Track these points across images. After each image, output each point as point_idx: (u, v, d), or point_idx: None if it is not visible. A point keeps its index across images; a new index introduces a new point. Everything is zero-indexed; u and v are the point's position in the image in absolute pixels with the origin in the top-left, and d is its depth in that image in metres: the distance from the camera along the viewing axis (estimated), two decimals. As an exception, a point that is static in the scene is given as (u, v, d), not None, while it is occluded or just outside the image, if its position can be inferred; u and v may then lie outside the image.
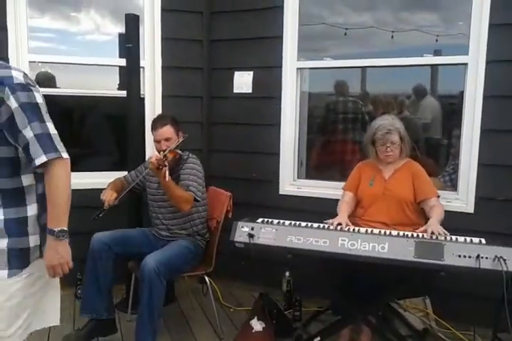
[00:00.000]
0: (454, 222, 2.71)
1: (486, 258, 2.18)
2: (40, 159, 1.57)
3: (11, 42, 3.31)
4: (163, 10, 3.64)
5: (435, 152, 4.38)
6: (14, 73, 1.60)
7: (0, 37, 3.27)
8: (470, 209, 3.06)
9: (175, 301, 3.49)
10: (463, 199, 3.11)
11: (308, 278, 2.91)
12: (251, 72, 3.65)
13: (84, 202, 3.48)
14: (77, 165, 3.72)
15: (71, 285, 3.42)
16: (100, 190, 3.60)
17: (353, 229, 2.54)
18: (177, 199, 2.81)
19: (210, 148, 3.87)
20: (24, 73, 1.66)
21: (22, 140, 1.58)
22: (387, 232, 2.46)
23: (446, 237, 2.39)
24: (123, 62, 3.32)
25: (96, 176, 3.68)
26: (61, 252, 1.68)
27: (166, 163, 2.68)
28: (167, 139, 2.92)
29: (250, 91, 3.66)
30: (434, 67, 4.15)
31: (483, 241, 2.33)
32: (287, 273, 3.41)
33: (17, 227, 1.64)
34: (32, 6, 3.47)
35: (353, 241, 2.39)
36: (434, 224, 2.57)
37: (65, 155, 1.62)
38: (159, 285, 2.64)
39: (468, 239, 2.33)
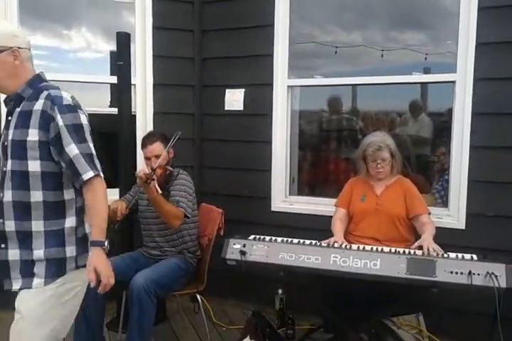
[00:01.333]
0: (445, 238, 2.71)
1: (478, 274, 2.18)
2: (87, 175, 1.70)
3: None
4: (154, 28, 3.67)
5: (427, 168, 4.41)
6: (64, 94, 1.75)
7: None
8: (461, 225, 3.07)
9: (166, 320, 3.44)
10: (454, 215, 3.12)
11: (301, 295, 2.89)
12: (242, 90, 3.68)
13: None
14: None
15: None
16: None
17: (345, 246, 2.54)
18: (166, 215, 2.79)
19: (201, 164, 3.87)
20: (72, 95, 1.79)
21: (66, 157, 1.70)
22: (379, 249, 2.46)
23: (438, 253, 2.39)
24: (114, 79, 3.33)
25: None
26: (108, 263, 1.75)
27: (154, 177, 2.67)
28: (157, 156, 2.92)
29: (241, 108, 3.69)
30: (423, 84, 4.20)
31: (475, 257, 2.33)
32: (280, 291, 3.38)
33: (56, 238, 1.74)
34: (23, 24, 3.48)
35: (345, 257, 2.38)
36: (429, 240, 2.57)
37: (101, 173, 1.76)
38: (149, 303, 2.60)
39: (459, 255, 2.34)
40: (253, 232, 2.63)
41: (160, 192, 2.68)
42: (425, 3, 3.50)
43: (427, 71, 3.74)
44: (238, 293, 3.54)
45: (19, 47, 1.76)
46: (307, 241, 2.55)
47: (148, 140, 2.99)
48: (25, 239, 1.73)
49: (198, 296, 2.97)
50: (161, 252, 3.02)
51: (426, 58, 3.99)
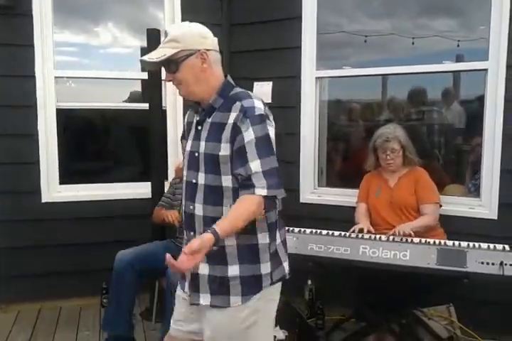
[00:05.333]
0: (477, 229, 2.69)
1: (510, 265, 2.16)
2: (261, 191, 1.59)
3: (37, 59, 3.42)
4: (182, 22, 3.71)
5: (460, 158, 4.33)
6: (256, 103, 1.63)
7: (27, 54, 3.38)
8: (493, 215, 3.02)
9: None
10: (486, 205, 3.07)
11: (331, 286, 2.91)
12: (270, 83, 3.69)
13: (108, 212, 3.59)
14: (101, 177, 3.83)
15: (97, 294, 3.49)
16: (124, 201, 3.67)
17: (375, 237, 2.54)
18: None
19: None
20: (263, 101, 1.68)
21: (246, 171, 1.58)
22: (409, 239, 2.45)
23: (468, 244, 2.37)
24: (145, 75, 3.39)
25: (119, 187, 3.75)
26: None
27: None
28: None
29: (270, 101, 3.70)
30: (456, 72, 4.12)
31: (507, 247, 2.30)
32: (309, 282, 3.40)
33: (249, 254, 1.67)
34: (56, 22, 3.57)
35: (374, 248, 2.39)
36: (401, 226, 2.64)
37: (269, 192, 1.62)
38: None
39: (491, 245, 2.31)
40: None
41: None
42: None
43: (459, 58, 3.66)
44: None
45: (207, 49, 1.66)
46: (336, 233, 2.56)
47: None
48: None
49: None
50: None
51: (458, 45, 3.91)
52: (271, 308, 1.79)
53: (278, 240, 1.75)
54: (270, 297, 1.75)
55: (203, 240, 1.48)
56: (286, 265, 1.79)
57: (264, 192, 1.57)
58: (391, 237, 2.52)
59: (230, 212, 1.59)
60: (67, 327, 3.28)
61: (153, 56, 1.64)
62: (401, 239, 2.47)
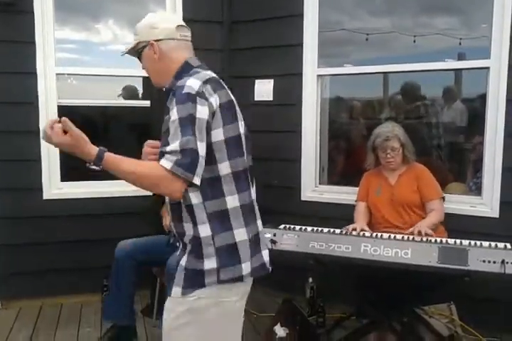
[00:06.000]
0: (478, 227, 2.69)
1: None
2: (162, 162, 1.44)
3: (38, 56, 3.42)
4: (184, 20, 3.69)
5: (462, 156, 4.33)
6: (189, 82, 1.51)
7: (28, 51, 3.38)
8: (495, 213, 3.02)
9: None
10: (487, 203, 3.07)
11: (332, 284, 2.91)
12: (271, 80, 3.69)
13: (109, 210, 3.59)
14: (103, 175, 3.83)
15: (98, 291, 3.49)
16: (125, 198, 3.67)
17: (376, 235, 2.54)
18: None
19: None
20: (207, 80, 1.55)
21: (165, 149, 1.46)
22: (410, 237, 2.45)
23: (470, 242, 2.37)
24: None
25: (121, 185, 3.73)
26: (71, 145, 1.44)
27: None
28: None
29: (271, 99, 3.69)
30: (457, 70, 4.12)
31: (509, 245, 2.30)
32: (310, 279, 3.40)
33: (194, 246, 1.56)
34: (57, 20, 3.56)
35: (375, 246, 2.39)
36: (421, 225, 2.62)
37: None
38: None
39: (493, 243, 2.31)
40: (283, 222, 2.66)
41: None
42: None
43: (461, 56, 3.66)
44: (269, 281, 3.56)
45: (157, 40, 1.65)
46: (337, 230, 2.56)
47: None
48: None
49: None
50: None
51: (460, 43, 3.91)
52: (217, 315, 1.57)
53: (237, 236, 1.57)
54: (218, 299, 1.56)
55: (85, 142, 1.43)
56: (246, 265, 1.58)
57: (168, 165, 1.41)
58: (392, 235, 2.51)
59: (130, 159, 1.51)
60: (69, 324, 3.28)
61: (126, 48, 1.72)
62: (402, 237, 2.47)
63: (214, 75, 1.63)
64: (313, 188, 3.68)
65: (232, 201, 1.58)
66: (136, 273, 2.89)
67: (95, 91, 4.03)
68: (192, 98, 1.47)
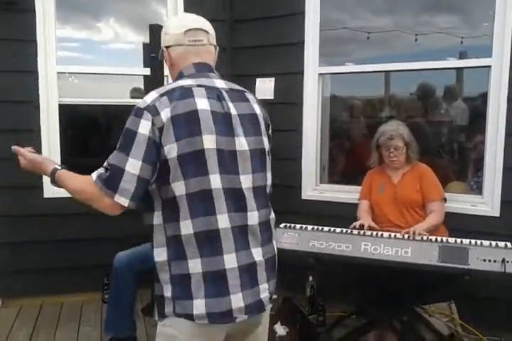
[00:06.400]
0: (479, 226, 2.69)
1: (512, 262, 2.16)
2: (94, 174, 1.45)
3: (40, 54, 3.42)
4: (185, 19, 3.70)
5: (463, 155, 4.33)
6: (146, 95, 1.46)
7: (29, 49, 3.38)
8: (495, 212, 3.02)
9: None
10: (488, 202, 3.07)
11: (332, 282, 2.91)
12: (272, 79, 3.69)
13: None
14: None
15: (98, 290, 3.49)
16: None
17: (376, 234, 2.54)
18: None
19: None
20: (164, 92, 1.45)
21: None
22: (411, 236, 2.45)
23: (470, 241, 2.37)
24: (148, 71, 3.38)
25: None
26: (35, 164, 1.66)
27: None
28: None
29: (272, 97, 3.69)
30: (459, 69, 4.11)
31: (509, 244, 2.30)
32: (310, 278, 3.40)
33: (155, 270, 1.48)
34: (59, 18, 3.57)
35: (376, 245, 2.39)
36: (417, 228, 2.60)
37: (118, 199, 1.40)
38: None
39: (493, 243, 2.31)
40: (284, 220, 2.66)
41: None
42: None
43: (463, 55, 3.65)
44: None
45: (167, 46, 1.62)
46: (338, 229, 2.56)
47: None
48: None
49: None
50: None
51: (462, 42, 3.90)
52: None
53: (191, 267, 1.41)
54: (170, 333, 1.44)
55: (43, 159, 1.64)
56: (201, 303, 1.39)
57: (94, 176, 1.43)
58: (392, 234, 2.51)
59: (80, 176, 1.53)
60: (69, 323, 3.29)
61: None
62: (403, 236, 2.47)
63: (190, 83, 1.50)
64: (313, 187, 3.68)
65: (185, 227, 1.41)
66: (136, 283, 2.88)
67: (96, 90, 4.03)
68: (139, 112, 1.41)
